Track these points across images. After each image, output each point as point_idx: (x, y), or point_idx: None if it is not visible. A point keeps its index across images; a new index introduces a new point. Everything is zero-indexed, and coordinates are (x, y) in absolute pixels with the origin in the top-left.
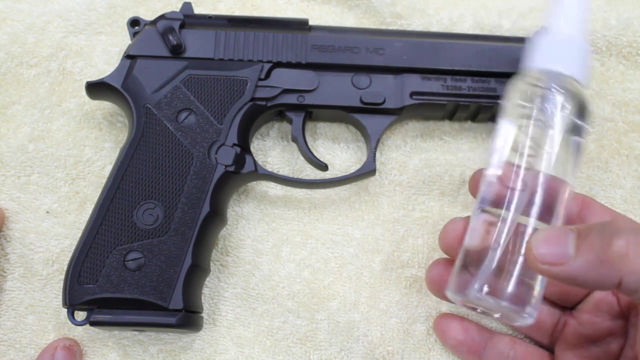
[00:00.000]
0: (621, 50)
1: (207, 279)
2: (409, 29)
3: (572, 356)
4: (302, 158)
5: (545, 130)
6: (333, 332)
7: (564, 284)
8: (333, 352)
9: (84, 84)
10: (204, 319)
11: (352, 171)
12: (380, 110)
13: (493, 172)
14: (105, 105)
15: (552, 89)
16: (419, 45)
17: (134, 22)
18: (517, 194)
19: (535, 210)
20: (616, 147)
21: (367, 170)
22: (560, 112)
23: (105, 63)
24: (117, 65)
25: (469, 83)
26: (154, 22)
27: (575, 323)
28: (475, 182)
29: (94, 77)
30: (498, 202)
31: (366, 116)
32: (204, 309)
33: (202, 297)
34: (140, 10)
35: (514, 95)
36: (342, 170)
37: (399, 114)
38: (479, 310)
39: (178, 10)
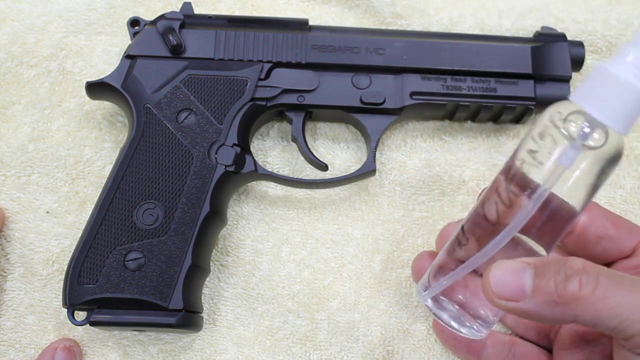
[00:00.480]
0: None
1: (207, 279)
2: (409, 29)
3: (569, 356)
4: (302, 158)
5: (565, 167)
6: (333, 332)
7: None
8: (333, 352)
9: (84, 84)
10: (204, 319)
11: (352, 171)
12: (380, 110)
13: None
14: (105, 105)
15: (589, 128)
16: (419, 45)
17: (134, 22)
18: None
19: (542, 237)
20: None
21: (367, 170)
22: (591, 150)
23: (105, 63)
24: (117, 65)
25: (469, 83)
26: (154, 22)
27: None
28: (442, 238)
29: (94, 77)
30: (482, 226)
31: (366, 116)
32: (204, 309)
33: (202, 297)
34: (140, 10)
35: (552, 120)
36: (342, 170)
37: (399, 114)
38: (433, 313)
39: (178, 10)
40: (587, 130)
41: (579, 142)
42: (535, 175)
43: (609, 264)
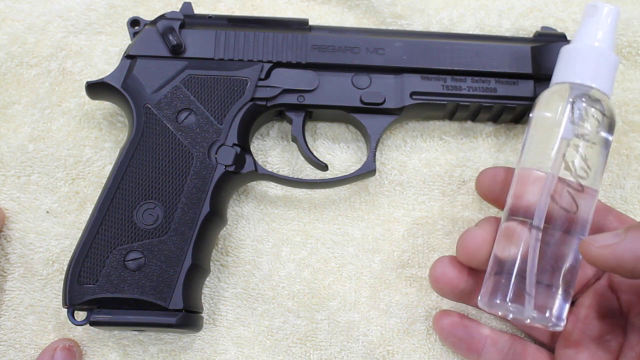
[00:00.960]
0: (621, 50)
1: (207, 279)
2: (409, 29)
3: (572, 354)
4: (302, 158)
5: (592, 142)
6: (333, 332)
7: None
8: (333, 352)
9: (84, 84)
10: (204, 319)
11: (352, 171)
12: (380, 110)
13: (531, 182)
14: (105, 105)
15: (592, 102)
16: (419, 45)
17: (134, 22)
18: (556, 206)
19: (577, 225)
20: (616, 147)
21: (367, 170)
22: (595, 124)
23: (105, 63)
24: (117, 65)
25: (469, 83)
26: (154, 22)
27: (575, 319)
28: (483, 182)
29: (94, 77)
30: (531, 213)
31: (366, 116)
32: (204, 309)
33: (202, 297)
34: (140, 10)
35: (546, 107)
36: (342, 170)
37: (399, 114)
38: (510, 317)
39: (178, 10)
40: (591, 102)
41: (587, 117)
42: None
43: None
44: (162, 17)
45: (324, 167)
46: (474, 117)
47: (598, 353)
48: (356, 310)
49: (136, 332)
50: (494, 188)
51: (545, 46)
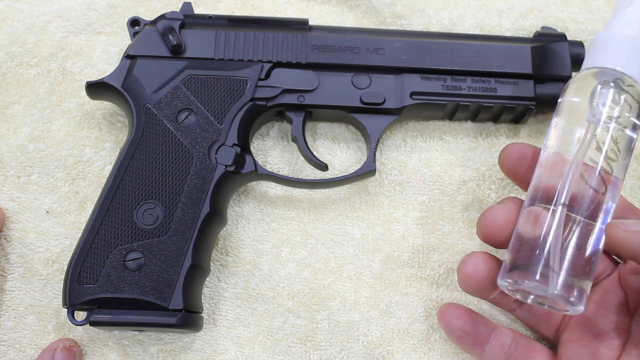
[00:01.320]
0: None
1: (207, 279)
2: (409, 29)
3: (575, 349)
4: (302, 158)
5: (615, 126)
6: (333, 332)
7: None
8: (333, 352)
9: (84, 84)
10: (204, 319)
11: (352, 171)
12: (380, 110)
13: (558, 165)
14: (105, 105)
15: (626, 88)
16: (419, 45)
17: (134, 22)
18: (586, 191)
19: (603, 208)
20: None
21: (367, 170)
22: (626, 109)
23: (105, 63)
24: (117, 65)
25: (469, 83)
26: (154, 22)
27: (580, 315)
28: (509, 158)
29: (94, 77)
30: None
31: (366, 116)
32: (204, 309)
33: (202, 297)
34: (140, 10)
35: (575, 92)
36: (342, 170)
37: (399, 114)
38: (529, 300)
39: (178, 10)
40: (625, 87)
41: (621, 102)
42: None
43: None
44: (162, 17)
45: (324, 167)
46: (474, 117)
47: (600, 350)
48: (356, 310)
49: (136, 332)
50: (521, 165)
51: (545, 46)
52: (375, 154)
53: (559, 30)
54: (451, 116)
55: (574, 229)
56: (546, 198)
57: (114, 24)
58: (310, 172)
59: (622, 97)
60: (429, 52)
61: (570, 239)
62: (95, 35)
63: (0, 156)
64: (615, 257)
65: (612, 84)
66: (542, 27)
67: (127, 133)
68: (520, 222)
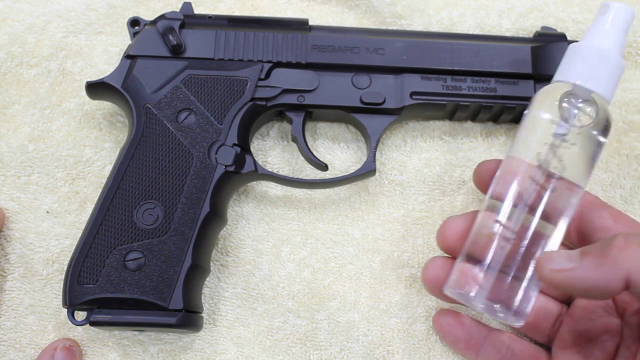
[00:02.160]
0: None
1: (207, 279)
2: (409, 29)
3: (569, 354)
4: (302, 158)
5: (571, 142)
6: (333, 332)
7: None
8: (333, 352)
9: (84, 84)
10: (204, 319)
11: (352, 171)
12: (380, 110)
13: (512, 174)
14: (105, 105)
15: (582, 104)
16: (419, 45)
17: (134, 22)
18: (536, 199)
19: (551, 216)
20: (616, 147)
21: (367, 170)
22: (586, 126)
23: (105, 63)
24: (117, 65)
25: (469, 83)
26: (154, 22)
27: (571, 320)
28: (480, 174)
29: (94, 77)
30: (514, 204)
31: (366, 116)
32: (204, 309)
33: (202, 297)
34: (140, 10)
35: (541, 105)
36: (342, 170)
37: (399, 114)
38: (477, 309)
39: (178, 10)
40: (579, 103)
41: (573, 118)
42: (544, 157)
43: None
44: (162, 17)
45: (324, 167)
46: (474, 117)
47: (595, 353)
48: (356, 310)
49: (136, 332)
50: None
51: (545, 46)
52: (375, 154)
53: (559, 30)
54: (451, 116)
55: (514, 241)
56: (491, 206)
57: (114, 24)
58: (310, 172)
59: (577, 113)
60: (429, 52)
61: (510, 250)
62: (95, 35)
63: (0, 156)
64: None
65: (571, 101)
66: (542, 27)
67: (127, 133)
68: (470, 234)
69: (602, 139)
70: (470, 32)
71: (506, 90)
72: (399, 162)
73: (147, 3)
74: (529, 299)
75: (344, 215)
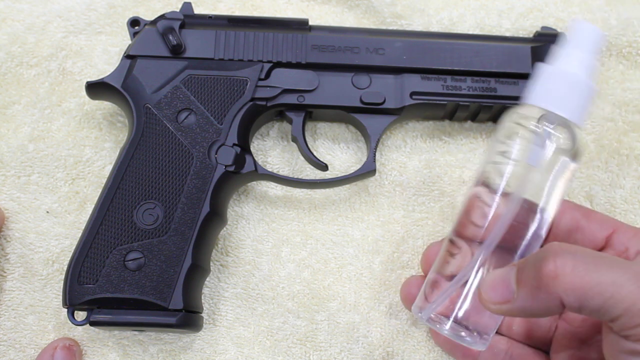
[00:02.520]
0: (621, 50)
1: (207, 279)
2: (409, 29)
3: (566, 357)
4: (302, 158)
5: (534, 167)
6: (333, 333)
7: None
8: (333, 353)
9: (84, 84)
10: (204, 319)
11: (352, 171)
12: (380, 110)
13: (472, 198)
14: (105, 105)
15: (549, 129)
16: (419, 45)
17: (134, 22)
18: (491, 226)
19: (508, 240)
20: (616, 147)
21: (367, 170)
22: (553, 153)
23: (105, 63)
24: (117, 65)
25: (469, 83)
26: (154, 22)
27: (565, 324)
28: (426, 259)
29: (94, 77)
30: (470, 233)
31: (366, 116)
32: (204, 309)
33: (202, 297)
34: (140, 10)
35: (508, 127)
36: (342, 170)
37: (399, 114)
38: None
39: (178, 10)
40: (550, 129)
41: (545, 142)
42: (507, 181)
43: None
44: (162, 17)
45: (324, 167)
46: (474, 117)
47: (590, 354)
48: (356, 311)
49: (136, 332)
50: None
51: (546, 46)
52: (375, 154)
53: (559, 30)
54: (451, 116)
55: (476, 267)
56: (456, 232)
57: (114, 24)
58: (310, 172)
59: (552, 136)
60: (429, 52)
61: (471, 276)
62: (95, 35)
63: (0, 156)
64: None
65: (538, 124)
66: (542, 27)
67: (127, 133)
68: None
69: (573, 164)
70: (470, 32)
71: (506, 90)
72: (399, 162)
73: (147, 3)
74: (484, 324)
75: (344, 215)
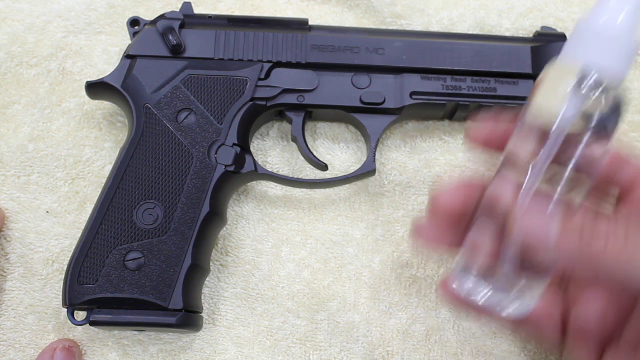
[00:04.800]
0: None
1: (207, 279)
2: (409, 29)
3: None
4: (302, 158)
5: (586, 122)
6: (333, 333)
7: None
8: (333, 353)
9: (84, 84)
10: (204, 319)
11: (352, 171)
12: (380, 110)
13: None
14: (105, 105)
15: (599, 83)
16: (419, 45)
17: (134, 22)
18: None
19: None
20: (616, 147)
21: (367, 170)
22: (606, 107)
23: (105, 63)
24: (117, 65)
25: (469, 83)
26: (154, 22)
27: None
28: (474, 134)
29: (94, 77)
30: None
31: (366, 116)
32: (204, 309)
33: (202, 297)
34: (140, 10)
35: (554, 84)
36: (342, 170)
37: (399, 114)
38: (479, 303)
39: (178, 10)
40: (596, 79)
41: (589, 93)
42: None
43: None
44: (162, 17)
45: (324, 167)
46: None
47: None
48: (356, 311)
49: (136, 332)
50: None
51: (545, 46)
52: (375, 154)
53: (559, 30)
54: (451, 116)
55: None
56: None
57: (114, 24)
58: (310, 172)
59: (594, 98)
60: (429, 52)
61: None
62: (95, 35)
63: (0, 156)
64: None
65: (583, 82)
66: (542, 27)
67: (127, 133)
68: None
69: (610, 124)
70: (470, 32)
71: (506, 90)
72: (399, 162)
73: (147, 3)
74: (532, 287)
75: (344, 215)
